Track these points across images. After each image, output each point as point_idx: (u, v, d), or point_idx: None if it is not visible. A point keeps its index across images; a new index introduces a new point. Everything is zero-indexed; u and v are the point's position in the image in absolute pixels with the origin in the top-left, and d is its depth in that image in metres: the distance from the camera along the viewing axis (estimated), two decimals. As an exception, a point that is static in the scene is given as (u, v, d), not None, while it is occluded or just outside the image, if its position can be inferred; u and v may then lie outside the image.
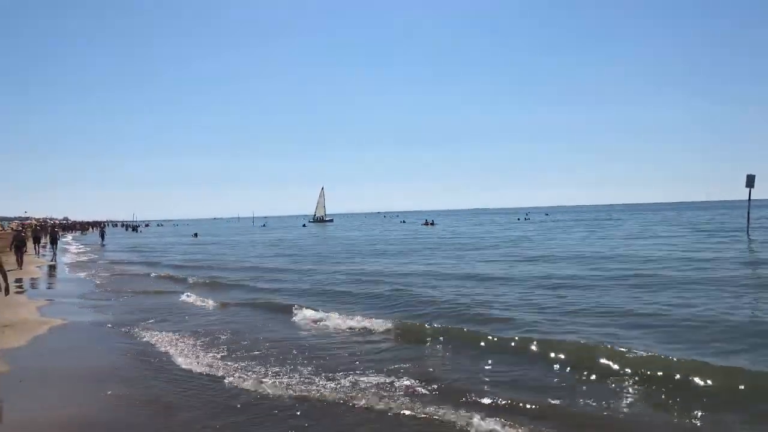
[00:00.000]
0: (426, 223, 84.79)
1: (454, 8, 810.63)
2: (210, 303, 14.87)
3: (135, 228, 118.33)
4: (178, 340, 10.42)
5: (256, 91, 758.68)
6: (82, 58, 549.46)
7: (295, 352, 9.25)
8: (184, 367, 8.50)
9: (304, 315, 12.44)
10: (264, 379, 7.63)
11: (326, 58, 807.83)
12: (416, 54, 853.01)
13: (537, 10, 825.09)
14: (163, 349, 9.67)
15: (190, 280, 20.04)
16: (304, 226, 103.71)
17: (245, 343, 10.10)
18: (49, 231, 48.11)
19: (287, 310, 13.06)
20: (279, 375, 7.84)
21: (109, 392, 7.28)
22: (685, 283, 14.96)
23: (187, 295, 16.11)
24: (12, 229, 78.64)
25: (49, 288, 19.37)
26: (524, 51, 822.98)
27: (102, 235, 56.92)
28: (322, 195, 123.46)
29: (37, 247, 40.31)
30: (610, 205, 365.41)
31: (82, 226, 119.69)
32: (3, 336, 10.69)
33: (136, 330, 11.41)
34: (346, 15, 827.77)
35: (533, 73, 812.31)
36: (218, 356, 9.08)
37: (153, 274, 23.25)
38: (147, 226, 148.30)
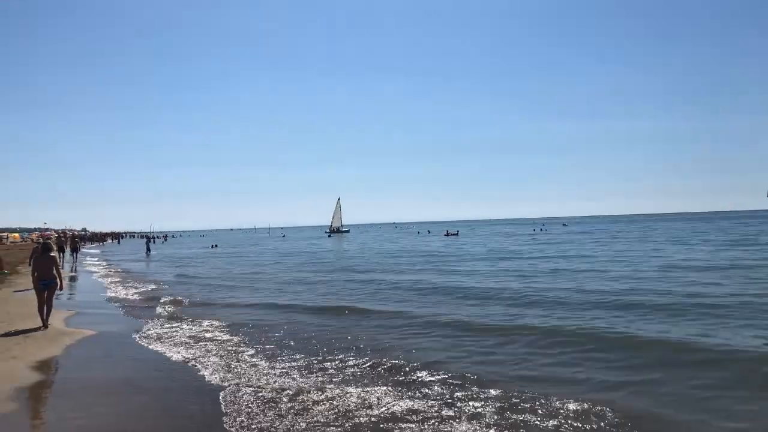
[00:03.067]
0: (448, 234, 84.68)
1: (473, 18, 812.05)
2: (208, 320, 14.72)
3: (152, 239, 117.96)
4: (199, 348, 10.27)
5: (266, 104, 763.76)
6: (100, 70, 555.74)
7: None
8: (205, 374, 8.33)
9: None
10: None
11: (341, 70, 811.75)
12: (430, 65, 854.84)
13: (556, 21, 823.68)
14: (184, 358, 9.52)
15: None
16: (329, 236, 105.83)
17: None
18: (70, 241, 48.67)
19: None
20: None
21: (136, 402, 7.20)
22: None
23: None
24: (32, 240, 79.33)
25: (73, 299, 19.18)
26: (536, 63, 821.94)
27: (148, 247, 55.22)
28: (338, 206, 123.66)
29: (62, 257, 40.50)
30: (631, 215, 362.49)
31: (100, 237, 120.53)
32: (30, 346, 10.59)
33: (161, 341, 11.27)
34: (361, 26, 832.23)
35: (549, 85, 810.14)
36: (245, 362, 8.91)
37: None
38: (167, 237, 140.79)
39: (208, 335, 11.85)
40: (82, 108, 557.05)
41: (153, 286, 22.59)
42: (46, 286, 12.70)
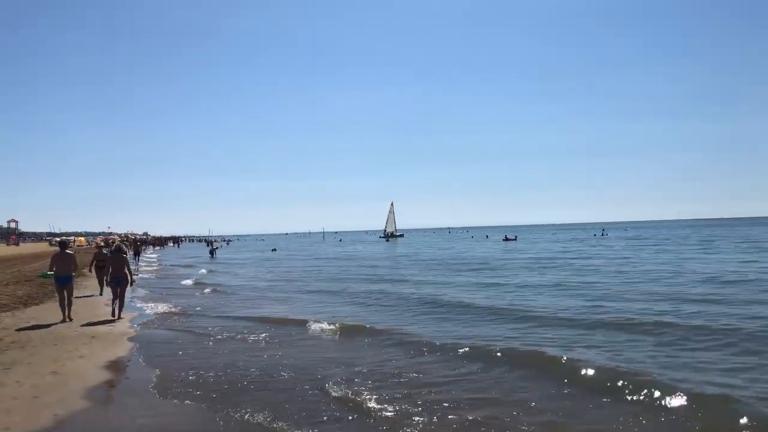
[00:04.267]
0: (506, 239, 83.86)
1: (533, 21, 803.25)
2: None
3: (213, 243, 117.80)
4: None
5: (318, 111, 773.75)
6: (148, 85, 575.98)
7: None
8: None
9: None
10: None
11: (392, 78, 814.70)
12: (479, 71, 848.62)
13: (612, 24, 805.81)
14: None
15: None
16: (386, 240, 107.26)
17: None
18: (133, 245, 50.01)
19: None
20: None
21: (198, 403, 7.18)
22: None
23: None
24: (96, 244, 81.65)
25: (135, 301, 19.22)
26: (591, 62, 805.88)
27: (212, 253, 60.87)
28: (391, 211, 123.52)
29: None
30: (693, 220, 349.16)
31: (160, 241, 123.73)
32: (97, 347, 10.82)
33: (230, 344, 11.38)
34: (413, 35, 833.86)
35: (607, 86, 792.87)
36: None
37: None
38: (228, 242, 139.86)
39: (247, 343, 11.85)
40: (143, 114, 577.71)
41: (206, 290, 22.78)
42: (118, 282, 14.42)
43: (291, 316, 14.74)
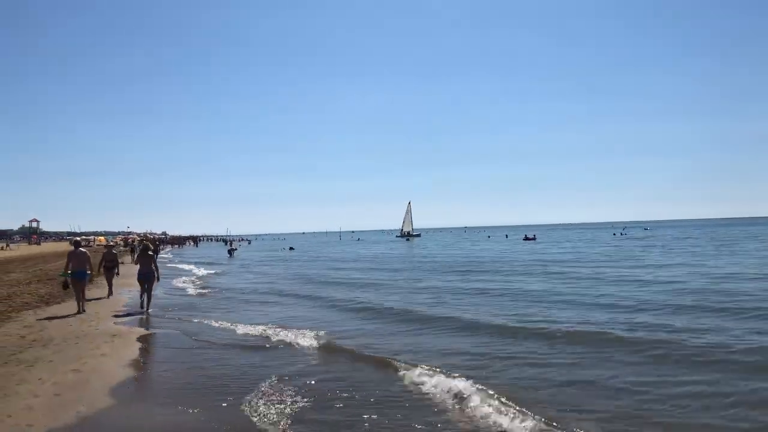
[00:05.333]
0: (526, 238, 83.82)
1: (547, 23, 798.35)
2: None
3: (231, 242, 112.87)
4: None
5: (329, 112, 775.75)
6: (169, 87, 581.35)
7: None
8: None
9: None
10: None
11: (407, 79, 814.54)
12: (493, 71, 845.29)
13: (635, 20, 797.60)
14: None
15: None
16: (407, 239, 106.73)
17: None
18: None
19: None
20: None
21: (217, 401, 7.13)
22: None
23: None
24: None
25: (156, 300, 18.83)
26: (614, 61, 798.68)
27: (230, 252, 61.95)
28: (408, 210, 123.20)
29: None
30: (716, 219, 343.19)
31: (179, 241, 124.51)
32: (118, 345, 10.86)
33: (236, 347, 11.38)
34: (431, 36, 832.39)
35: (632, 85, 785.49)
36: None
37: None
38: (250, 241, 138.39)
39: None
40: (162, 116, 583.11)
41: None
42: (146, 278, 15.87)
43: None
